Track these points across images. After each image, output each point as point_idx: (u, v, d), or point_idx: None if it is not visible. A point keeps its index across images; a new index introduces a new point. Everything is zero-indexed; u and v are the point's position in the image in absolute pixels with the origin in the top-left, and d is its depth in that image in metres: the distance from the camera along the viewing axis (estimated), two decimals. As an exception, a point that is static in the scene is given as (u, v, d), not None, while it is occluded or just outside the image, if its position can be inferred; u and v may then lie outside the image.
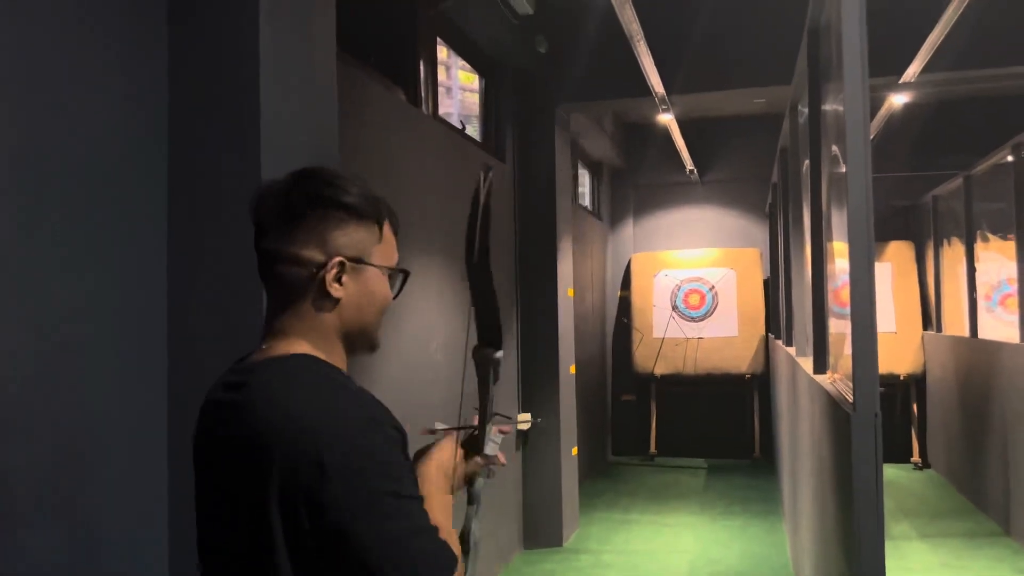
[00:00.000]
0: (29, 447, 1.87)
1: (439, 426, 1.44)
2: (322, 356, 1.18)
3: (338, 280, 1.18)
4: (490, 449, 1.44)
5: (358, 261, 1.20)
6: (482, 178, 1.38)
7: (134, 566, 2.16)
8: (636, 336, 8.90)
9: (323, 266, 1.17)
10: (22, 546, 1.84)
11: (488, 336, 1.44)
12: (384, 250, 1.25)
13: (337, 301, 1.19)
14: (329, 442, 1.04)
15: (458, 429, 1.43)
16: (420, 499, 1.10)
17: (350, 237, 1.20)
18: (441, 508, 1.25)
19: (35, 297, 1.90)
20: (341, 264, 1.18)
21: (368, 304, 1.22)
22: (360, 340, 1.24)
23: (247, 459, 1.08)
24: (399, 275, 1.27)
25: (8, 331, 1.83)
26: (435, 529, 1.10)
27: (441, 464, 1.33)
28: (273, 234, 1.19)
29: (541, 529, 5.87)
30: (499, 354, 1.44)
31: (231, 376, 1.19)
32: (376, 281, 1.23)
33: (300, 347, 1.17)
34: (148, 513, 2.21)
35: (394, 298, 1.27)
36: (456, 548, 1.15)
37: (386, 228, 1.25)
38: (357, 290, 1.21)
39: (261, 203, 1.21)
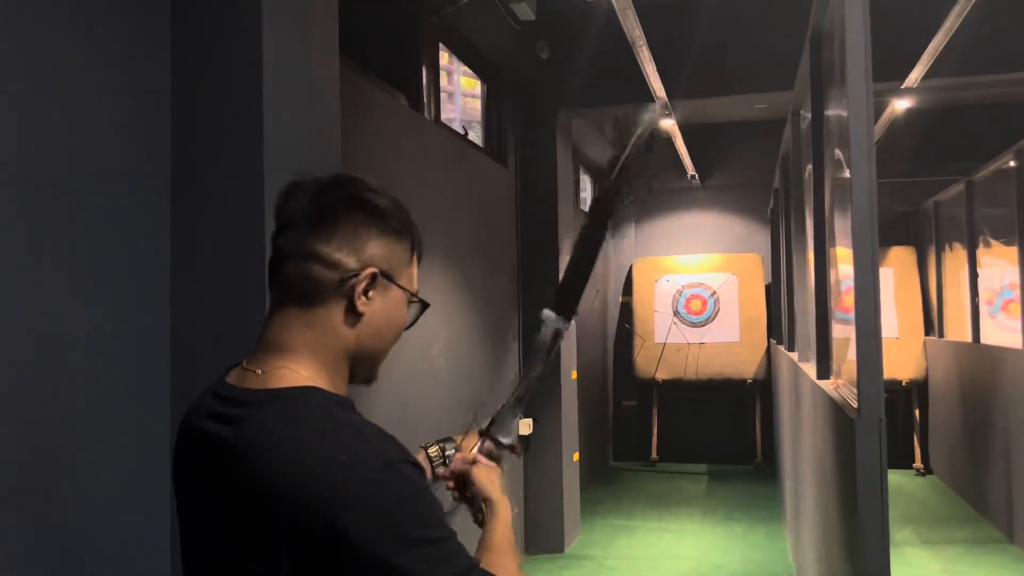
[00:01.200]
0: (26, 447, 1.87)
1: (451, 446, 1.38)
2: (323, 381, 1.08)
3: (365, 293, 1.09)
4: (512, 438, 1.39)
5: (388, 278, 1.11)
6: (647, 114, 1.36)
7: (134, 569, 2.16)
8: (638, 341, 8.89)
9: (354, 274, 1.07)
10: (12, 549, 1.83)
11: (565, 302, 1.41)
12: (410, 274, 1.16)
13: (359, 317, 1.09)
14: (346, 502, 0.95)
15: (483, 432, 1.40)
16: (453, 533, 1.02)
17: (385, 250, 1.10)
18: (510, 531, 1.21)
19: (37, 297, 1.90)
20: (373, 276, 1.08)
21: (387, 327, 1.13)
22: (365, 367, 1.14)
23: (251, 514, 0.99)
24: (418, 305, 1.17)
25: (9, 331, 1.82)
26: (474, 561, 1.04)
27: (493, 484, 1.30)
28: (299, 230, 1.08)
29: (543, 535, 5.85)
30: (567, 326, 1.40)
31: (219, 405, 1.08)
32: (399, 305, 1.14)
33: (301, 373, 1.07)
34: (149, 516, 2.20)
35: (407, 328, 1.18)
36: (514, 562, 1.12)
37: (414, 253, 1.17)
38: (381, 309, 1.11)
39: (289, 198, 1.10)
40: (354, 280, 1.08)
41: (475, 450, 1.37)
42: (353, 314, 1.09)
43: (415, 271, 1.17)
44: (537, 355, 1.42)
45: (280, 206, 1.11)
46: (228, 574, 1.05)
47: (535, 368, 1.42)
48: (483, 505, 1.29)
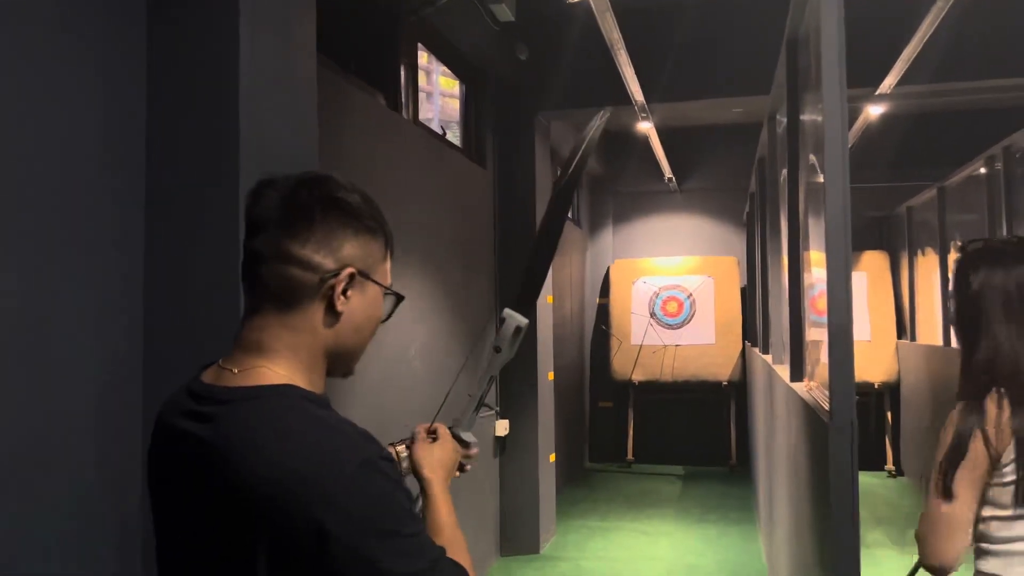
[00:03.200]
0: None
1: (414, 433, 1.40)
2: (301, 380, 1.08)
3: (344, 293, 1.09)
4: (469, 437, 1.42)
5: (365, 276, 1.12)
6: (597, 118, 1.40)
7: (106, 565, 2.13)
8: (614, 343, 8.92)
9: (333, 274, 1.08)
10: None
11: (525, 300, 1.45)
12: (385, 269, 1.17)
13: (338, 316, 1.10)
14: (326, 502, 0.96)
15: (451, 426, 1.42)
16: (421, 529, 1.05)
17: (361, 249, 1.11)
18: (448, 504, 1.22)
19: (7, 296, 1.87)
20: (351, 276, 1.09)
21: (365, 323, 1.14)
22: (343, 362, 1.15)
23: (230, 510, 1.00)
24: (393, 298, 1.19)
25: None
26: (443, 551, 1.06)
27: (444, 462, 1.30)
28: (273, 232, 1.08)
29: (518, 536, 5.86)
30: (525, 322, 1.44)
31: (194, 403, 1.08)
32: (376, 300, 1.15)
33: (277, 371, 1.07)
34: (121, 514, 2.18)
35: (383, 321, 1.19)
36: (465, 551, 1.13)
37: (388, 249, 1.19)
38: (359, 307, 1.12)
39: (260, 198, 1.10)
40: (333, 281, 1.09)
41: (420, 430, 1.38)
42: (332, 314, 1.10)
43: (388, 265, 1.19)
44: (498, 352, 1.46)
45: (251, 206, 1.11)
46: (205, 572, 1.05)
47: (496, 366, 1.46)
48: (420, 484, 1.30)
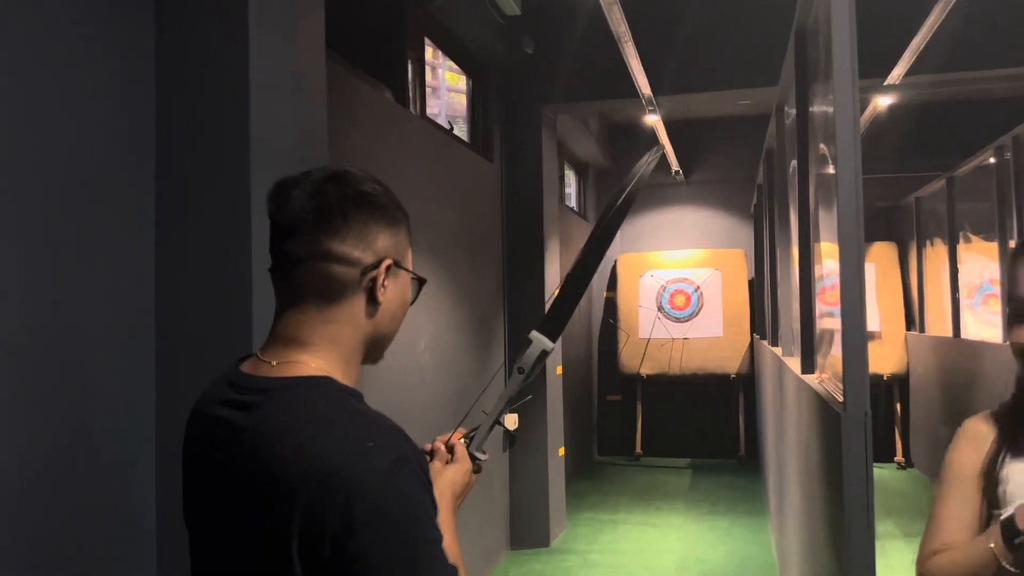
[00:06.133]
0: (10, 446, 1.85)
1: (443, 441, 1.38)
2: (337, 373, 1.11)
3: (383, 283, 1.14)
4: (481, 455, 1.39)
5: (399, 265, 1.17)
6: (649, 154, 1.41)
7: (121, 566, 2.15)
8: (622, 337, 8.92)
9: (372, 267, 1.12)
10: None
11: (553, 326, 1.45)
12: (409, 255, 1.21)
13: (378, 306, 1.14)
14: (359, 490, 0.97)
15: (467, 437, 1.40)
16: (441, 538, 1.05)
17: (392, 239, 1.15)
18: (451, 530, 1.21)
19: (22, 295, 1.88)
20: (388, 267, 1.14)
21: (399, 310, 1.19)
22: (378, 348, 1.19)
23: (265, 497, 1.01)
24: (417, 282, 1.23)
25: (-6, 331, 1.81)
26: (455, 571, 1.06)
27: (455, 485, 1.29)
28: (309, 232, 1.10)
29: (528, 530, 5.87)
30: (552, 347, 1.45)
31: (233, 393, 1.10)
32: (407, 287, 1.20)
33: (315, 363, 1.10)
34: (136, 517, 2.19)
35: (411, 304, 1.24)
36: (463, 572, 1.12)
37: (409, 235, 1.22)
38: (394, 295, 1.17)
39: (286, 200, 1.11)
40: (374, 273, 1.13)
41: (440, 446, 1.36)
42: (373, 304, 1.14)
43: (410, 251, 1.23)
44: (521, 374, 1.46)
45: (277, 209, 1.12)
46: (240, 561, 1.05)
47: (515, 387, 1.45)
48: None
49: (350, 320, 1.13)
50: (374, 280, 1.13)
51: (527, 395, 1.48)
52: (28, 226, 1.91)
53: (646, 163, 1.62)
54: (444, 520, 1.18)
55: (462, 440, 1.39)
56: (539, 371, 1.48)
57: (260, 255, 2.22)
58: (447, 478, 1.29)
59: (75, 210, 2.04)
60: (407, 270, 1.19)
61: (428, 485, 1.05)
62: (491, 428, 1.45)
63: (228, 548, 1.07)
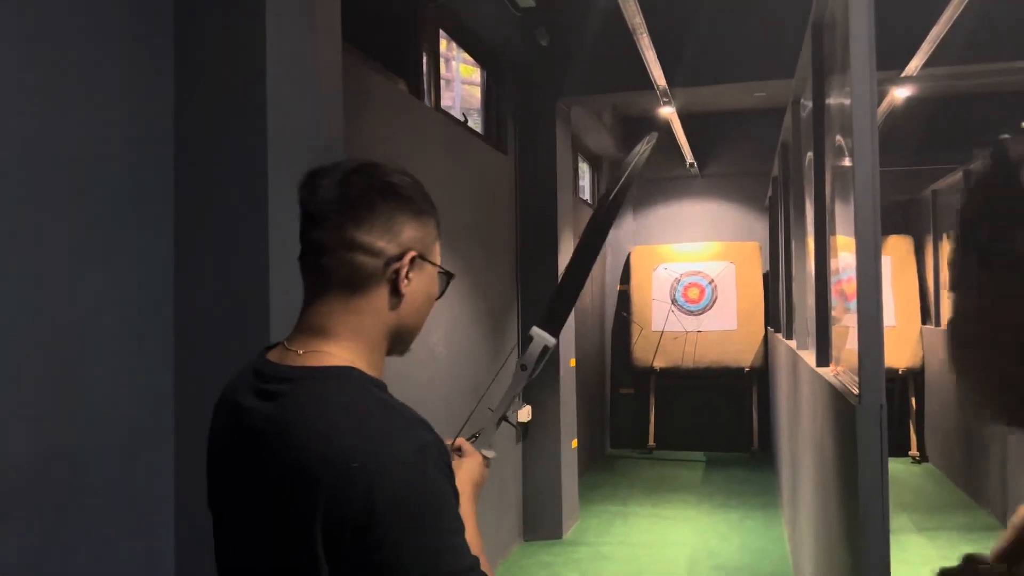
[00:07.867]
0: (28, 445, 1.88)
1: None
2: (361, 363, 1.11)
3: (407, 276, 1.14)
4: (489, 452, 1.40)
5: (424, 258, 1.16)
6: (643, 143, 1.39)
7: (139, 567, 2.17)
8: (635, 330, 8.91)
9: (396, 258, 1.12)
10: (16, 546, 1.84)
11: (553, 321, 1.45)
12: (437, 249, 1.21)
13: (401, 298, 1.14)
14: (381, 479, 0.98)
15: (474, 436, 1.41)
16: (463, 529, 1.05)
17: (419, 232, 1.15)
18: (473, 521, 1.22)
19: (41, 294, 1.90)
20: (412, 259, 1.14)
21: (424, 303, 1.19)
22: (403, 341, 1.19)
23: (290, 485, 1.02)
24: (445, 276, 1.23)
25: (14, 327, 1.83)
26: (477, 561, 1.05)
27: (473, 478, 1.30)
28: (336, 222, 1.10)
29: (541, 521, 5.89)
30: (553, 342, 1.45)
31: (260, 382, 1.11)
32: (432, 280, 1.20)
33: (340, 354, 1.10)
34: (154, 512, 2.22)
35: (437, 299, 1.23)
36: (488, 568, 1.13)
37: (437, 229, 1.22)
38: (419, 287, 1.16)
39: (316, 190, 1.12)
40: (397, 265, 1.13)
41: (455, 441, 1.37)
42: (396, 296, 1.14)
43: (438, 245, 1.23)
44: (524, 371, 1.46)
45: (307, 199, 1.13)
46: (264, 548, 1.06)
47: (520, 384, 1.46)
48: None
49: (373, 311, 1.13)
50: (397, 272, 1.13)
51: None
52: (49, 219, 1.93)
53: (640, 152, 1.62)
54: (466, 511, 1.19)
55: (468, 442, 1.40)
56: (541, 367, 1.47)
57: (277, 246, 2.24)
58: (465, 471, 1.30)
59: (94, 203, 2.06)
60: (433, 263, 1.19)
61: (451, 476, 1.05)
62: (498, 425, 1.45)
63: (252, 536, 1.08)
